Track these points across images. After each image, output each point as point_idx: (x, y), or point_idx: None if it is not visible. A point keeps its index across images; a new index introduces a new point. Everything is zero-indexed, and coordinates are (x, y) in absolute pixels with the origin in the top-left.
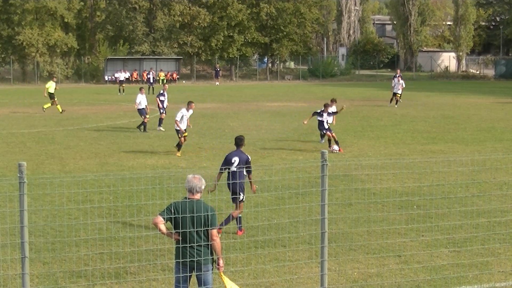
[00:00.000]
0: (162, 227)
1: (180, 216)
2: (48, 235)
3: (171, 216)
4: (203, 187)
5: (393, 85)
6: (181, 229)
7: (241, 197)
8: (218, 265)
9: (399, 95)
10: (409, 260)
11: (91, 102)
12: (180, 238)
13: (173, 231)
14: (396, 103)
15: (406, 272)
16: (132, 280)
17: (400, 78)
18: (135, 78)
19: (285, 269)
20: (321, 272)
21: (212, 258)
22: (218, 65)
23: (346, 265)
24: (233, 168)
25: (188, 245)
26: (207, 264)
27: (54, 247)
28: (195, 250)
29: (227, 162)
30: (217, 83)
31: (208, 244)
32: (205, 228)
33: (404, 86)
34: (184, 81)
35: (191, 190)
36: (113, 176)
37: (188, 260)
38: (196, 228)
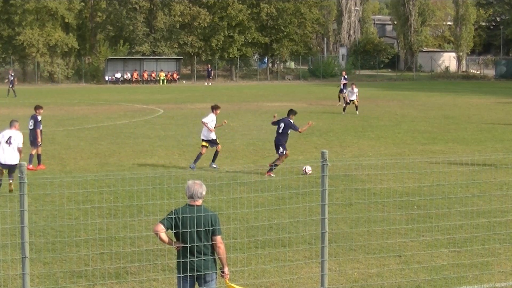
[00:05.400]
0: (164, 235)
1: (181, 223)
2: (48, 235)
3: (172, 224)
4: (204, 193)
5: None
6: (184, 237)
7: (280, 150)
8: (223, 273)
9: (357, 101)
10: (409, 260)
11: (91, 102)
12: (181, 246)
13: (174, 239)
14: (344, 109)
15: (406, 272)
16: (133, 280)
17: (354, 87)
18: (136, 78)
19: (285, 269)
20: (321, 272)
21: (216, 264)
22: (209, 66)
23: (346, 265)
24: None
25: (191, 253)
26: (211, 273)
27: (54, 247)
28: (200, 258)
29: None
30: (207, 83)
31: (212, 252)
32: (208, 235)
33: (357, 94)
34: (184, 81)
35: (192, 197)
36: (113, 176)
37: (192, 271)
38: (199, 236)
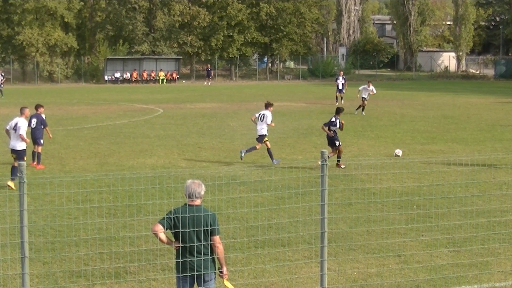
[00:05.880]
0: (162, 235)
1: (180, 223)
2: (48, 235)
3: (171, 224)
4: (202, 193)
5: (360, 88)
6: (182, 237)
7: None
8: (221, 272)
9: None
10: (409, 260)
11: (90, 102)
12: (181, 246)
13: (173, 239)
14: (363, 110)
15: (405, 272)
16: (132, 280)
17: (371, 85)
18: (135, 78)
19: (284, 269)
20: (320, 272)
21: (215, 264)
22: (209, 66)
23: (345, 265)
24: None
25: (189, 253)
26: (210, 273)
27: (54, 247)
28: (199, 258)
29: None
30: (206, 83)
31: (211, 251)
32: (207, 235)
33: (375, 92)
34: (184, 81)
35: (190, 196)
36: (113, 176)
37: (190, 270)
38: (197, 235)
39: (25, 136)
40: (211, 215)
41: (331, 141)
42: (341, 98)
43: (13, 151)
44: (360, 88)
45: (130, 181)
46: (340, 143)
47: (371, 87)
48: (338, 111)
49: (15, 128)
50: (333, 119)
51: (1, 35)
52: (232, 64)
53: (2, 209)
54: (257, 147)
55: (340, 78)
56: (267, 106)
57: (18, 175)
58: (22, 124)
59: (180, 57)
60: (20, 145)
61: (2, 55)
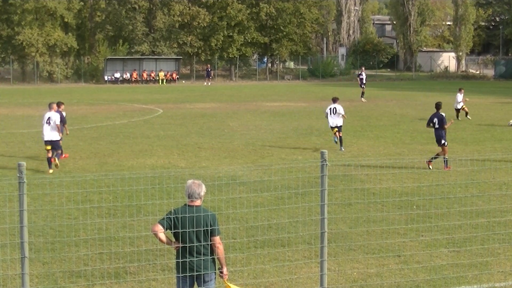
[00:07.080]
0: (162, 236)
1: (180, 223)
2: (47, 235)
3: (171, 224)
4: (202, 193)
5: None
6: (182, 237)
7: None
8: (221, 273)
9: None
10: (409, 260)
11: (90, 102)
12: (181, 246)
13: (173, 239)
14: (467, 115)
15: (405, 272)
16: (132, 280)
17: (462, 91)
18: (135, 78)
19: (284, 269)
20: (320, 272)
21: (215, 264)
22: (209, 66)
23: (345, 265)
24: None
25: (189, 253)
26: (210, 273)
27: (53, 247)
28: (199, 258)
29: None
30: (206, 83)
31: (211, 252)
32: (207, 235)
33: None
34: (184, 81)
35: (190, 196)
36: (113, 176)
37: (190, 270)
38: (197, 236)
39: (60, 126)
40: (211, 216)
41: (439, 138)
42: (363, 92)
43: (48, 142)
44: (459, 99)
45: (129, 181)
46: (446, 142)
47: (461, 96)
48: (439, 106)
49: (48, 121)
50: (443, 115)
51: (1, 35)
52: (232, 64)
53: (2, 209)
54: (338, 135)
55: (363, 73)
56: (335, 100)
57: (18, 175)
58: (56, 117)
59: (180, 57)
60: (55, 136)
61: (2, 55)
